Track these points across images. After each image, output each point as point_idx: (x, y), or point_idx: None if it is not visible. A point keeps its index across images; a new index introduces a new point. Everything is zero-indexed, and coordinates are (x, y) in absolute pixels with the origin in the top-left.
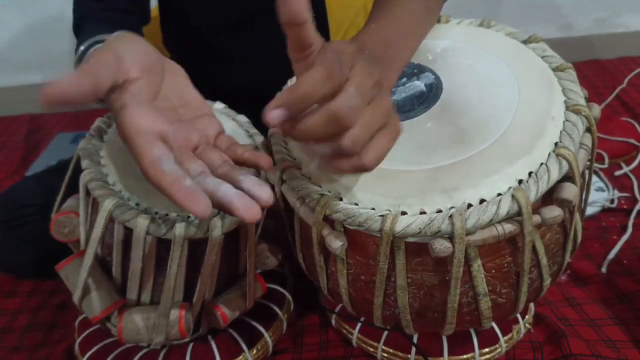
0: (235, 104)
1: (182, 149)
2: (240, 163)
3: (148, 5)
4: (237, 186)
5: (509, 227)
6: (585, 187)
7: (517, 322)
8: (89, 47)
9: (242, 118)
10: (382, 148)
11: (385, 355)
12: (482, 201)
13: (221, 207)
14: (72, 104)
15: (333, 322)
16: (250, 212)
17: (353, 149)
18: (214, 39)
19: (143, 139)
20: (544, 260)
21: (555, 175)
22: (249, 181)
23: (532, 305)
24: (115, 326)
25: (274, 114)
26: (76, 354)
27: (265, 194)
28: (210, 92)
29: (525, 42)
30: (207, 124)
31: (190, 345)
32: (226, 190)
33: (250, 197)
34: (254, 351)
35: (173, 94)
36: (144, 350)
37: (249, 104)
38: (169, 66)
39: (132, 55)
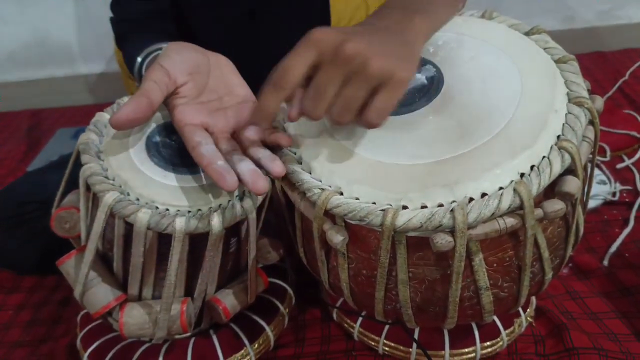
0: None
1: (220, 133)
2: (267, 143)
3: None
4: (257, 162)
5: (510, 221)
6: (587, 180)
7: (518, 315)
8: (145, 58)
9: None
10: (380, 106)
11: (386, 349)
12: (483, 195)
13: (240, 181)
14: (138, 122)
15: (334, 316)
16: (256, 185)
17: (340, 122)
18: (215, 35)
19: (187, 129)
20: (545, 254)
21: (557, 169)
22: (264, 157)
23: (533, 298)
24: (117, 321)
25: (248, 132)
26: (78, 349)
27: (277, 167)
28: None
29: (527, 33)
30: (246, 110)
31: (192, 339)
32: (243, 167)
33: (263, 171)
34: (256, 345)
35: (219, 84)
36: (146, 345)
37: None
38: (214, 62)
39: (177, 65)
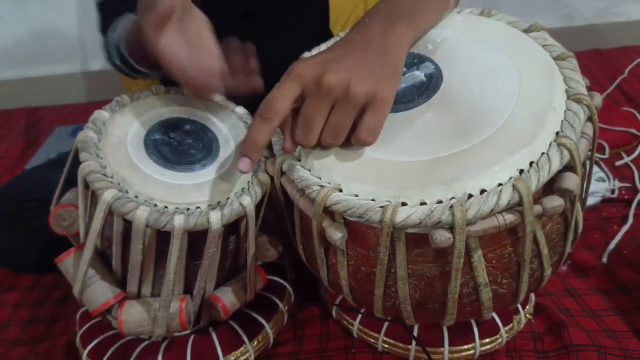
0: (235, 97)
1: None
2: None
3: None
4: None
5: (509, 218)
6: (586, 177)
7: (517, 312)
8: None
9: (241, 110)
10: (369, 126)
11: (386, 346)
12: (482, 191)
13: None
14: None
15: (334, 313)
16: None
17: (333, 145)
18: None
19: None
20: (544, 251)
21: (556, 165)
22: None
23: (532, 295)
24: (116, 319)
25: (242, 166)
26: (77, 346)
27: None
28: None
29: (526, 31)
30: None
31: (191, 337)
32: None
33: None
34: (255, 343)
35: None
36: (145, 343)
37: (248, 96)
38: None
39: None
